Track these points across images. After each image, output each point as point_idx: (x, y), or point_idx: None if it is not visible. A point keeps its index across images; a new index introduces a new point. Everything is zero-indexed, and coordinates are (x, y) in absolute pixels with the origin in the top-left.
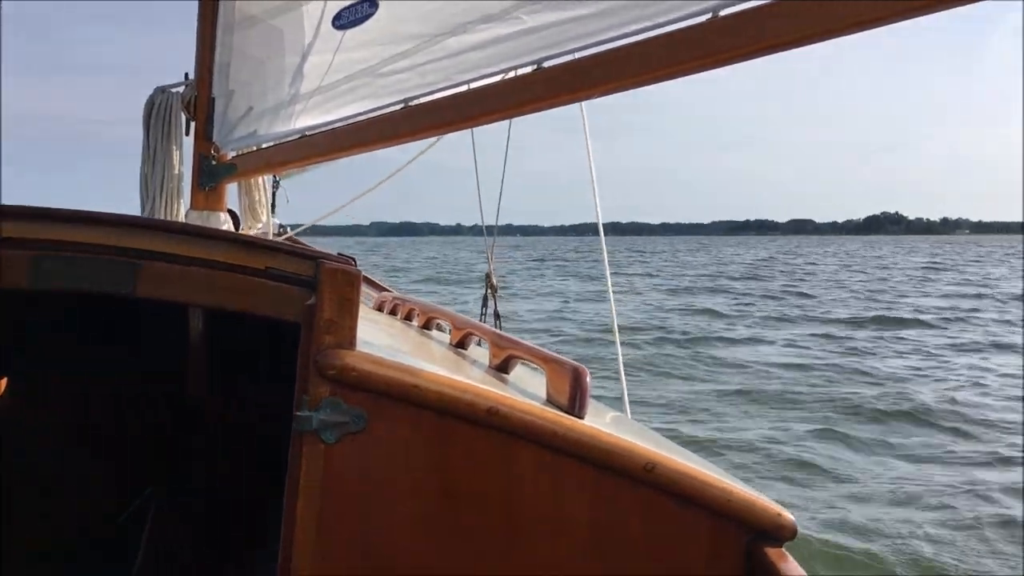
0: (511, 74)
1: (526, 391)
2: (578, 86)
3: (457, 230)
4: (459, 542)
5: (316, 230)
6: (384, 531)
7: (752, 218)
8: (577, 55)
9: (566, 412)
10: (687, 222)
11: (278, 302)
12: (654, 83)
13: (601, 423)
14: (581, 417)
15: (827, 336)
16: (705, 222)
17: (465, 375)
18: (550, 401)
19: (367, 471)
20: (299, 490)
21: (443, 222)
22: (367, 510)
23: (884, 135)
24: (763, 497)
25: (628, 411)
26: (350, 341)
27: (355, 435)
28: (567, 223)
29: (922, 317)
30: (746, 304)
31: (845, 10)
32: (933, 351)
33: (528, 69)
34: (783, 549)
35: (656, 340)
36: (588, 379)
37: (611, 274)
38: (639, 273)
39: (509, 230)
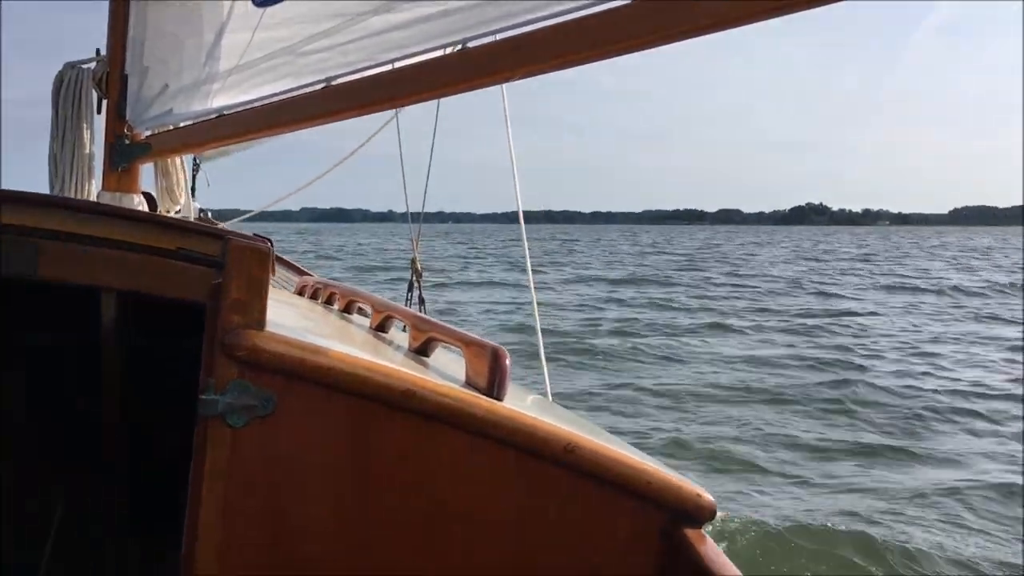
0: (435, 54)
1: (445, 373)
2: (501, 67)
3: (388, 216)
4: (374, 529)
5: (238, 215)
6: (295, 519)
7: (682, 207)
8: (501, 36)
9: (485, 394)
10: (619, 211)
11: (190, 284)
12: (576, 65)
13: (521, 406)
14: (500, 399)
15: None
16: (637, 211)
17: (383, 357)
18: (469, 383)
19: (277, 456)
20: (204, 477)
21: (375, 208)
22: (277, 497)
23: (808, 129)
24: (683, 478)
25: (550, 395)
26: (259, 321)
27: (264, 419)
28: (499, 211)
29: (862, 307)
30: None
31: None
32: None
33: (452, 49)
34: (702, 530)
35: (585, 330)
36: (508, 361)
37: (550, 263)
38: (570, 263)
39: (441, 217)
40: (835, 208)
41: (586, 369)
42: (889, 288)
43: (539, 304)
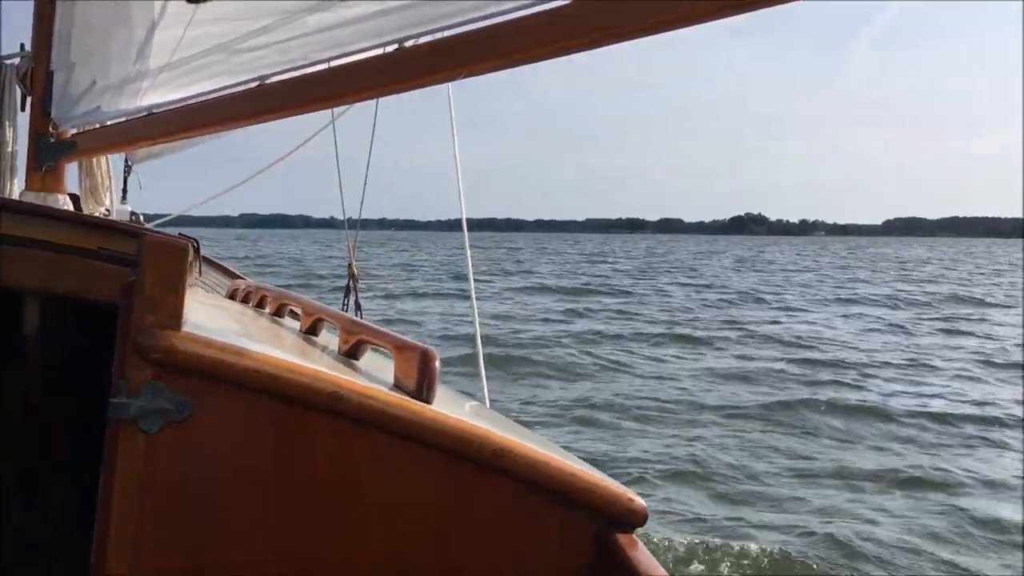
0: (372, 53)
1: (374, 376)
2: (438, 67)
3: (331, 223)
4: (298, 536)
5: (179, 221)
6: (214, 528)
7: (624, 216)
8: (439, 36)
9: (413, 397)
10: (562, 219)
11: (111, 285)
12: (515, 65)
13: (451, 409)
14: (429, 402)
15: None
16: (580, 219)
17: (310, 360)
18: (398, 386)
19: (194, 463)
20: (114, 485)
21: (317, 214)
22: (194, 506)
23: (746, 138)
24: (614, 483)
25: (488, 402)
26: (175, 321)
27: (180, 424)
28: (443, 218)
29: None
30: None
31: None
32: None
33: (390, 49)
34: (634, 535)
35: (534, 341)
36: (437, 363)
37: (502, 272)
38: (519, 271)
39: (384, 224)
40: (773, 218)
41: (535, 379)
42: (849, 301)
43: (497, 316)
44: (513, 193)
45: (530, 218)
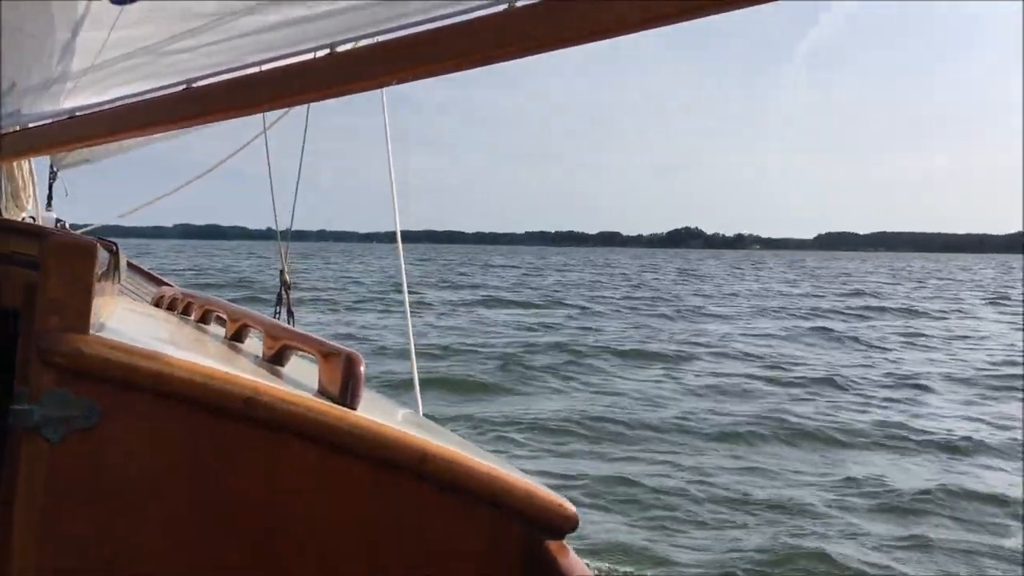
0: (303, 57)
1: (297, 381)
2: (370, 72)
3: (268, 234)
4: (214, 548)
5: (110, 231)
6: (123, 540)
7: (563, 229)
8: (373, 40)
9: (337, 403)
10: (502, 232)
11: (16, 289)
12: (448, 72)
13: (379, 416)
14: (353, 408)
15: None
16: (519, 232)
17: (232, 366)
18: (322, 392)
19: (102, 472)
20: (16, 496)
21: (253, 225)
22: (102, 518)
23: (680, 154)
24: (545, 489)
25: (420, 409)
26: (82, 324)
27: (86, 431)
28: (382, 230)
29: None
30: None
31: (633, 8)
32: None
33: (321, 53)
34: (564, 542)
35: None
36: (362, 368)
37: (446, 285)
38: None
39: (323, 236)
40: (710, 232)
41: (481, 394)
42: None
43: (454, 329)
44: (452, 206)
45: (469, 230)
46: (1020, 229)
